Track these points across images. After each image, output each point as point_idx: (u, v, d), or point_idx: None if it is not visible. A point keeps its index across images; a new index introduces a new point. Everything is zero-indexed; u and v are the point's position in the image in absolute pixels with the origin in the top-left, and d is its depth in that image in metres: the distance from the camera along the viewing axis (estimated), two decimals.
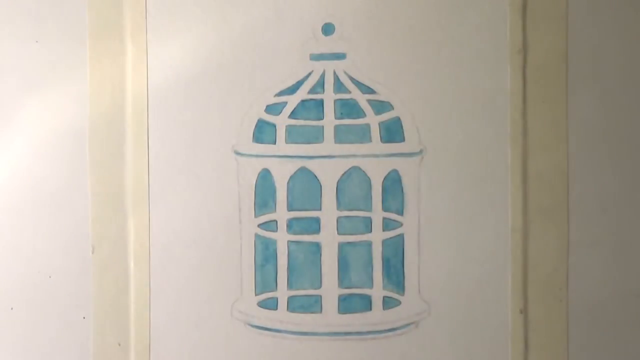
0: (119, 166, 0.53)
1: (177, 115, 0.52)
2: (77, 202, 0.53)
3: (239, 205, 0.52)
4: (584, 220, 0.51)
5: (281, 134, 0.52)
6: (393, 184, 0.51)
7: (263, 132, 0.52)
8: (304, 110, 0.52)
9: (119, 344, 0.53)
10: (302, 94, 0.52)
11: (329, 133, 0.51)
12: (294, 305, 0.52)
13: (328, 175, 0.51)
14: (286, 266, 0.52)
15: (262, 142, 0.52)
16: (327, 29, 0.52)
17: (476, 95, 0.51)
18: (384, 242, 0.52)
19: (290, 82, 0.52)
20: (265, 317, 0.52)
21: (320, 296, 0.52)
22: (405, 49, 0.51)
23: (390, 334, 0.52)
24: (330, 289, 0.52)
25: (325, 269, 0.52)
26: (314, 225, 0.52)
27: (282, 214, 0.52)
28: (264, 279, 0.52)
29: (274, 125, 0.52)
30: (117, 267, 0.53)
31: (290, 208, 0.52)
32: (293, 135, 0.52)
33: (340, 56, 0.52)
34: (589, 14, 0.51)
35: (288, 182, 0.52)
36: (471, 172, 0.51)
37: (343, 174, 0.51)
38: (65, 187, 0.53)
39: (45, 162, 0.53)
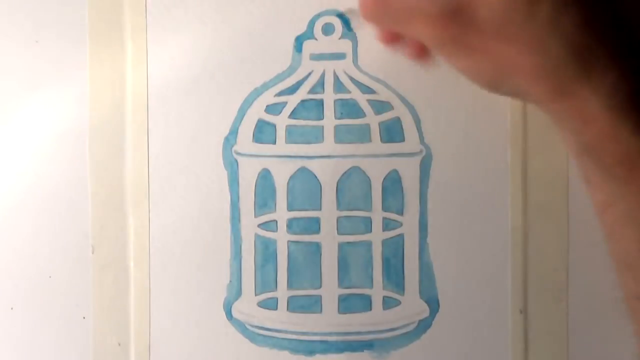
0: (119, 166, 0.53)
1: (177, 115, 0.52)
2: (77, 202, 0.53)
3: (239, 205, 0.52)
4: (584, 220, 0.51)
5: (281, 134, 0.52)
6: (393, 184, 0.51)
7: (263, 132, 0.52)
8: (304, 110, 0.52)
9: (119, 344, 0.53)
10: (302, 94, 0.52)
11: (329, 133, 0.51)
12: (294, 305, 0.52)
13: (328, 175, 0.51)
14: (286, 266, 0.52)
15: (262, 142, 0.52)
16: (327, 29, 0.52)
17: (476, 95, 0.51)
18: (384, 242, 0.52)
19: (290, 82, 0.52)
20: (265, 317, 0.52)
21: (320, 296, 0.52)
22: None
23: (390, 334, 0.52)
24: (330, 289, 0.52)
25: (325, 269, 0.52)
26: (314, 225, 0.52)
27: (282, 214, 0.52)
28: (264, 279, 0.52)
29: (274, 125, 0.52)
30: (117, 267, 0.53)
31: (290, 208, 0.52)
32: (293, 135, 0.52)
33: (340, 56, 0.52)
34: None
35: (288, 182, 0.52)
36: (471, 172, 0.51)
37: (343, 174, 0.51)
38: (65, 187, 0.53)
39: (45, 162, 0.53)
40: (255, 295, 0.52)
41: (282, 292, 0.52)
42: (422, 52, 0.46)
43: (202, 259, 0.52)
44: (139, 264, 0.53)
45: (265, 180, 0.52)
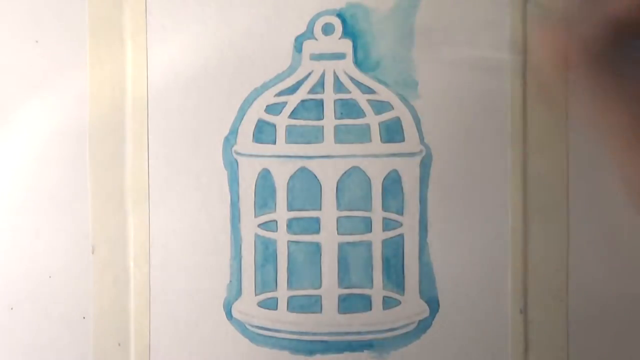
0: (119, 166, 0.53)
1: (177, 115, 0.52)
2: (77, 202, 0.53)
3: (238, 205, 0.52)
4: (584, 220, 0.51)
5: (281, 134, 0.52)
6: (393, 184, 0.51)
7: (263, 132, 0.52)
8: (304, 110, 0.52)
9: (119, 344, 0.53)
10: (302, 94, 0.52)
11: (329, 133, 0.51)
12: (294, 305, 0.52)
13: (328, 175, 0.51)
14: (286, 266, 0.52)
15: (262, 142, 0.52)
16: (327, 29, 0.52)
17: (476, 95, 0.51)
18: (384, 242, 0.52)
19: (290, 82, 0.52)
20: (265, 317, 0.52)
21: (320, 296, 0.52)
22: (404, 49, 0.51)
23: (390, 334, 0.52)
24: (330, 289, 0.52)
25: (325, 269, 0.52)
26: (314, 225, 0.52)
27: (282, 214, 0.52)
28: (264, 279, 0.52)
29: (274, 125, 0.52)
30: (117, 267, 0.53)
31: (290, 208, 0.52)
32: (293, 135, 0.52)
33: (340, 56, 0.52)
34: None
35: (288, 182, 0.52)
36: (471, 172, 0.51)
37: (343, 174, 0.51)
38: (65, 187, 0.53)
39: (45, 162, 0.53)
40: (255, 295, 0.52)
41: (282, 292, 0.52)
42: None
43: (202, 259, 0.52)
44: (139, 264, 0.53)
45: (265, 180, 0.52)
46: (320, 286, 0.52)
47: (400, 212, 0.52)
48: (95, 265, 0.53)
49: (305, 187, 0.52)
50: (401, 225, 0.52)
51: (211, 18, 0.52)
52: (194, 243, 0.52)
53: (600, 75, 0.37)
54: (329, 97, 0.51)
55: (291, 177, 0.52)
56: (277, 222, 0.52)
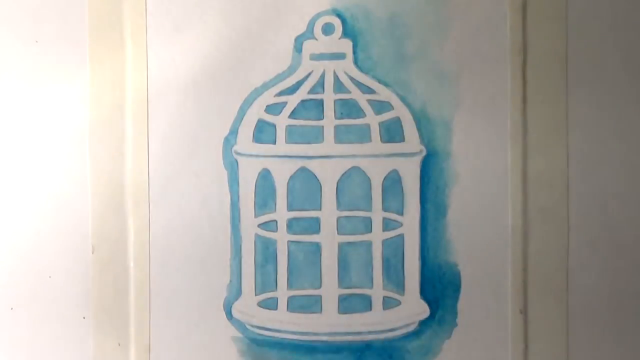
0: (119, 166, 0.53)
1: (177, 115, 0.52)
2: (77, 202, 0.53)
3: (238, 205, 0.52)
4: (584, 220, 0.51)
5: (281, 134, 0.52)
6: (393, 184, 0.51)
7: (263, 132, 0.52)
8: (304, 110, 0.52)
9: (119, 344, 0.53)
10: (302, 94, 0.52)
11: (329, 133, 0.51)
12: (294, 305, 0.52)
13: (328, 175, 0.51)
14: (286, 266, 0.52)
15: (262, 142, 0.52)
16: (327, 29, 0.52)
17: (476, 94, 0.51)
18: (384, 242, 0.52)
19: (290, 82, 0.52)
20: (265, 317, 0.52)
21: (320, 296, 0.52)
22: (404, 49, 0.51)
23: (390, 334, 0.52)
24: (330, 289, 0.52)
25: (325, 269, 0.52)
26: (314, 225, 0.52)
27: (282, 214, 0.52)
28: (264, 279, 0.52)
29: (274, 125, 0.52)
30: (117, 267, 0.53)
31: (290, 208, 0.52)
32: (293, 135, 0.52)
33: (340, 56, 0.52)
34: (589, 14, 0.51)
35: (288, 182, 0.52)
36: (471, 172, 0.51)
37: (343, 174, 0.51)
38: (65, 187, 0.53)
39: (45, 162, 0.53)
40: (255, 295, 0.52)
41: (282, 292, 0.52)
42: None
43: (202, 259, 0.52)
44: (139, 264, 0.53)
45: (265, 180, 0.52)
46: (320, 286, 0.52)
47: (400, 212, 0.52)
48: (95, 265, 0.53)
49: (305, 187, 0.52)
50: (401, 225, 0.52)
51: (211, 18, 0.52)
52: (194, 243, 0.52)
53: None
54: (329, 97, 0.51)
55: (291, 177, 0.52)
56: (277, 222, 0.52)
